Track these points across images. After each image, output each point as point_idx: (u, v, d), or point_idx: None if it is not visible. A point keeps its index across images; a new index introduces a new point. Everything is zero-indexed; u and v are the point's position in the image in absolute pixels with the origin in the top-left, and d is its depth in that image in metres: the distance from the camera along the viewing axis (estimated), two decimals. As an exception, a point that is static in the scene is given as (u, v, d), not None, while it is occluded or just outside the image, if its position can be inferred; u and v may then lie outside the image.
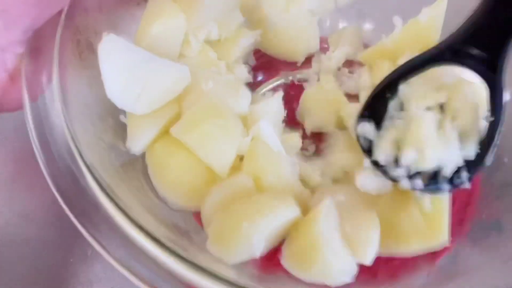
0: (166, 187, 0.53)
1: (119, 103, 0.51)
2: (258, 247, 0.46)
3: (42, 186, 0.72)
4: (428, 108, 0.50)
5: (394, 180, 0.50)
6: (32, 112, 0.44)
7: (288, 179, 0.53)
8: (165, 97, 0.53)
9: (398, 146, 0.50)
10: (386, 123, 0.51)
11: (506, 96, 0.58)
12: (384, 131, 0.51)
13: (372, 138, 0.51)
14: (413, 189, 0.49)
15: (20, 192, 0.73)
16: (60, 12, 0.49)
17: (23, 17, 0.44)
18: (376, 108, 0.51)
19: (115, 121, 0.55)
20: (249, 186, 0.51)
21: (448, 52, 0.47)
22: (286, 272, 0.48)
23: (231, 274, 0.42)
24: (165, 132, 0.53)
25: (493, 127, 0.48)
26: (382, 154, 0.50)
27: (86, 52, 0.53)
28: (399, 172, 0.49)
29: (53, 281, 0.68)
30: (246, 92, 0.58)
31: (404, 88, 0.50)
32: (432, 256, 0.53)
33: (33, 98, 0.45)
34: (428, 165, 0.48)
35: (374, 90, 0.52)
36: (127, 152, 0.54)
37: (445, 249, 0.53)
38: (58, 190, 0.42)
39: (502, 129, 0.51)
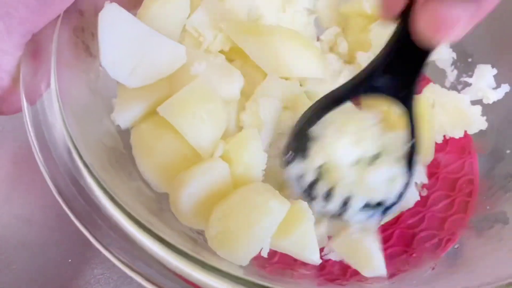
0: (150, 169, 0.53)
1: (113, 73, 0.50)
2: (267, 246, 0.47)
3: (41, 187, 0.73)
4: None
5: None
6: (30, 114, 0.44)
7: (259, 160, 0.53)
8: (159, 73, 0.53)
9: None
10: (311, 150, 0.51)
11: (505, 88, 0.59)
12: (310, 159, 0.51)
13: (302, 172, 0.51)
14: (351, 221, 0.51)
15: (18, 194, 0.73)
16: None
17: (24, 20, 0.45)
18: (300, 140, 0.52)
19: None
20: (225, 174, 0.50)
21: (365, 84, 0.47)
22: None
23: (235, 271, 0.42)
24: (152, 112, 0.53)
25: (413, 148, 0.50)
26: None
27: (84, 55, 0.53)
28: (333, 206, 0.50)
29: (52, 282, 0.68)
30: (239, 76, 0.58)
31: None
32: (436, 251, 0.54)
33: (32, 101, 0.45)
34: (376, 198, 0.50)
35: (296, 126, 0.52)
36: (127, 153, 0.54)
37: (449, 243, 0.54)
38: (58, 192, 0.41)
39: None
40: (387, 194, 0.50)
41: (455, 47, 0.66)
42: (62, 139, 0.43)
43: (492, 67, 0.61)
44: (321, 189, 0.50)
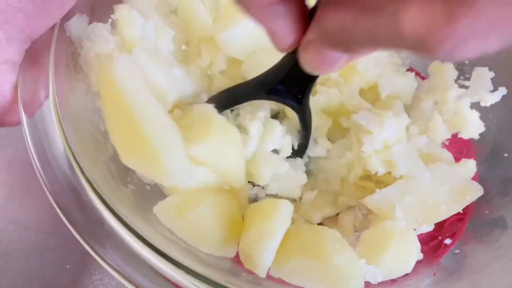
0: (201, 239, 0.48)
1: None
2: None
3: (36, 192, 0.73)
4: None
5: None
6: (29, 128, 0.44)
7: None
8: None
9: None
10: None
11: (502, 91, 0.59)
12: None
13: None
14: None
15: (14, 199, 0.73)
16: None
17: (24, 27, 0.44)
18: None
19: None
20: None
21: (264, 89, 0.53)
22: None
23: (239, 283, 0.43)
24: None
25: (306, 137, 0.60)
26: None
27: (81, 66, 0.52)
28: None
29: (50, 288, 0.68)
30: None
31: None
32: (436, 253, 0.54)
33: (30, 114, 0.45)
34: None
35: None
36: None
37: (448, 246, 0.54)
38: (60, 207, 0.40)
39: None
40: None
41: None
42: (62, 152, 0.43)
43: (490, 70, 0.61)
44: None
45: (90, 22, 0.53)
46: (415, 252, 0.51)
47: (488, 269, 0.48)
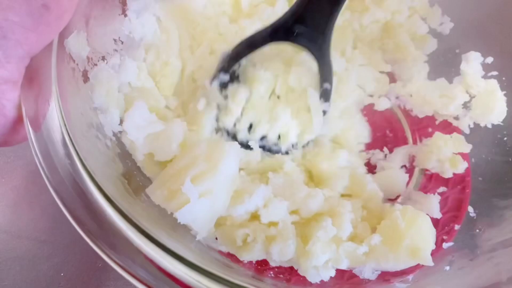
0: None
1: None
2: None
3: (29, 201, 0.71)
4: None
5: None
6: (37, 142, 0.42)
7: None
8: None
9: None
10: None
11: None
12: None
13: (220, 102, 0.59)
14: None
15: (6, 209, 0.71)
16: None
17: (22, 43, 0.42)
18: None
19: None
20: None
21: (281, 31, 0.53)
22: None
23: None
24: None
25: (329, 92, 0.58)
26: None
27: (82, 80, 0.52)
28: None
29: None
30: None
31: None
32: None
33: (36, 128, 0.43)
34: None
35: (220, 62, 0.59)
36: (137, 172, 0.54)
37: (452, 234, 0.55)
38: (72, 216, 0.40)
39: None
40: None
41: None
42: (70, 165, 0.43)
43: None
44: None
45: (87, 38, 0.52)
46: (432, 239, 0.52)
47: (507, 253, 0.48)
